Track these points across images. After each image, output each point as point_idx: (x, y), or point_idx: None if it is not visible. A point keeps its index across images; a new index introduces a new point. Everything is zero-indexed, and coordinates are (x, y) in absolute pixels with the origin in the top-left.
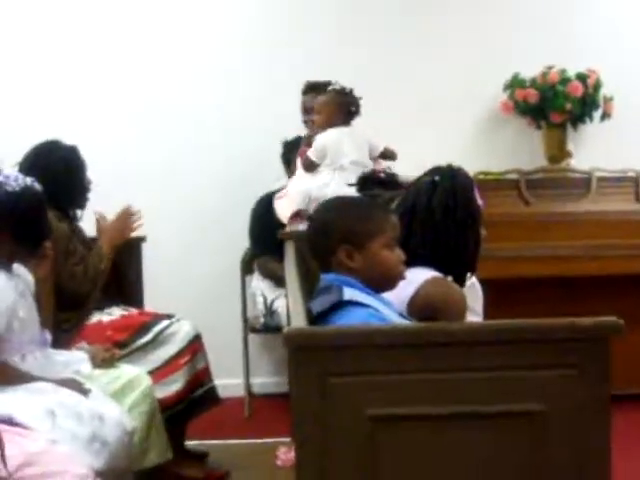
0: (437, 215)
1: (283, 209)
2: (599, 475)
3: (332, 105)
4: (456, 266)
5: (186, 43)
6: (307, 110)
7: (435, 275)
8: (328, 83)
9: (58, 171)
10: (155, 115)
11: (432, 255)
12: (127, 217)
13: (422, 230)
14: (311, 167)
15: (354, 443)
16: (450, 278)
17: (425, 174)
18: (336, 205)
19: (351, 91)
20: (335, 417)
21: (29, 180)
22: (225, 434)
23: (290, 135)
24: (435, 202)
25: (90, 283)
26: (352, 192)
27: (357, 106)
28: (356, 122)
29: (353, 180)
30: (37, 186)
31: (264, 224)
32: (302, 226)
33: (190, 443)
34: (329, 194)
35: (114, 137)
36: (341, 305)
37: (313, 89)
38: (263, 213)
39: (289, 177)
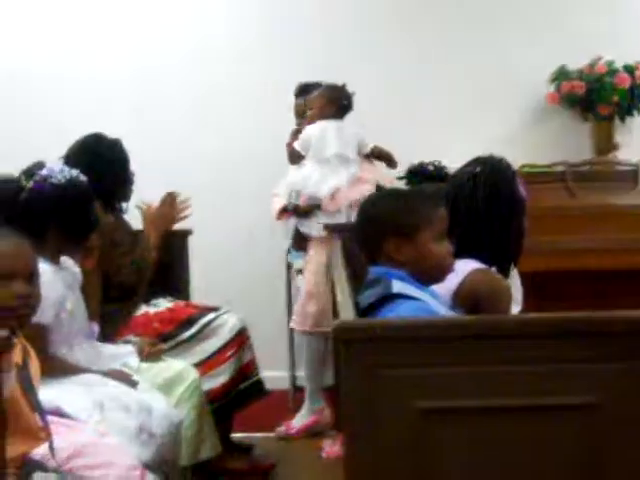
0: (480, 206)
1: (274, 206)
2: None
3: (323, 99)
4: (500, 257)
5: (229, 36)
6: (299, 114)
7: (480, 266)
8: (318, 84)
9: (102, 163)
10: (204, 110)
11: (475, 246)
12: (172, 203)
13: (465, 221)
14: (296, 158)
15: (404, 436)
16: (494, 269)
17: (466, 165)
18: (385, 197)
19: (343, 86)
20: (384, 410)
21: (74, 172)
22: (270, 427)
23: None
24: (478, 193)
25: (138, 275)
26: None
27: (349, 100)
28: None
29: (337, 173)
30: (82, 178)
31: None
32: (291, 221)
33: (235, 436)
34: (310, 186)
35: (162, 131)
36: (390, 298)
37: (304, 91)
38: None
39: None
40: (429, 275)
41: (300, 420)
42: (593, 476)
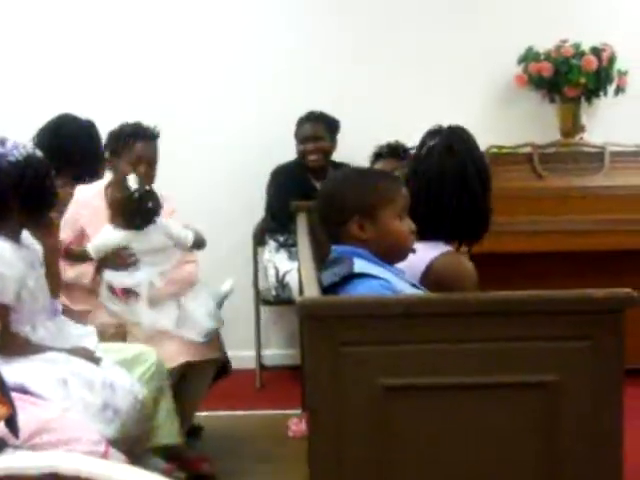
0: (448, 181)
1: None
2: (612, 446)
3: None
4: (469, 231)
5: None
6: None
7: (444, 251)
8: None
9: (65, 141)
10: (174, 86)
11: (442, 223)
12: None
13: (432, 197)
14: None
15: (367, 412)
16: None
17: (426, 137)
18: (346, 176)
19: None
20: (348, 386)
21: (30, 148)
22: (236, 406)
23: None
24: (446, 167)
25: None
26: None
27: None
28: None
29: None
30: (39, 153)
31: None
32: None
33: (201, 415)
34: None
35: (133, 110)
36: (352, 277)
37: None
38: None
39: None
40: (391, 253)
41: None
42: (547, 452)
